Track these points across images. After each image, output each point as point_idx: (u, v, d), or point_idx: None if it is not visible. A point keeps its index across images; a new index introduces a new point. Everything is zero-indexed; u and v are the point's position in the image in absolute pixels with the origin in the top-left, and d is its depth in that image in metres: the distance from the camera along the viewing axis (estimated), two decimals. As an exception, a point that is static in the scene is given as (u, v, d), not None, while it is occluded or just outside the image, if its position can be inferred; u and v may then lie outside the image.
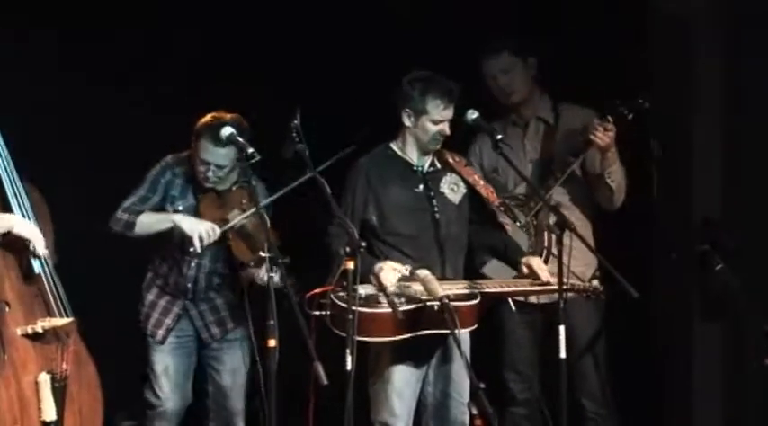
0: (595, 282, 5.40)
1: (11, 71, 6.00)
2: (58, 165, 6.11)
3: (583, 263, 5.59)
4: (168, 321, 5.67)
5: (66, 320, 4.83)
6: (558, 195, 5.78)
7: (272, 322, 4.85)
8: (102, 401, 4.97)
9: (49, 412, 4.73)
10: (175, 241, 5.56)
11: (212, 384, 5.73)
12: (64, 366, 4.79)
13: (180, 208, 5.59)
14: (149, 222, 5.54)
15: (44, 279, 4.85)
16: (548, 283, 5.28)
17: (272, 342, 4.85)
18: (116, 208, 5.57)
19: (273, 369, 4.85)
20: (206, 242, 5.40)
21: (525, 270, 5.36)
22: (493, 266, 5.63)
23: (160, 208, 5.61)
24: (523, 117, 5.92)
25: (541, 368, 5.76)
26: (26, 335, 4.75)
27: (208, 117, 5.53)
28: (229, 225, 5.45)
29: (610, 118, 5.61)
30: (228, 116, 5.46)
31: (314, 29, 6.51)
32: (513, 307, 5.48)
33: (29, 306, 4.82)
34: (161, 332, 5.68)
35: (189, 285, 5.64)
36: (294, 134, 5.23)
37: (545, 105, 5.93)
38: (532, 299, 5.60)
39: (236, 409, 5.71)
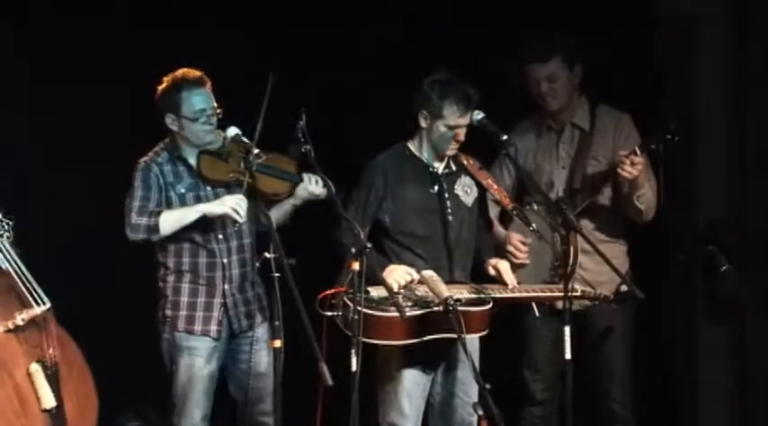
0: (624, 287, 5.35)
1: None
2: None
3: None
4: (216, 313, 5.40)
5: (42, 308, 4.86)
6: (587, 217, 5.72)
7: (277, 322, 4.85)
8: (90, 375, 5.00)
9: (48, 400, 4.77)
10: (194, 228, 5.37)
11: (237, 387, 5.50)
12: (51, 351, 4.81)
13: (182, 190, 5.40)
14: (174, 219, 5.31)
15: (12, 272, 4.86)
16: (515, 288, 5.31)
17: (278, 343, 4.85)
18: (123, 217, 5.35)
19: (279, 370, 4.85)
20: (243, 209, 5.21)
21: (492, 272, 5.36)
22: (522, 273, 5.61)
23: (163, 204, 5.39)
24: (559, 122, 5.86)
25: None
26: (8, 331, 4.77)
27: (171, 77, 5.41)
28: (254, 166, 5.26)
29: (637, 150, 5.55)
30: (186, 70, 5.41)
31: (319, 29, 6.51)
32: (537, 313, 5.45)
33: (3, 303, 4.85)
34: (214, 328, 5.40)
35: (224, 260, 5.40)
36: (300, 135, 5.24)
37: (582, 111, 5.85)
38: (558, 305, 5.54)
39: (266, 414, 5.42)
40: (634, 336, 5.80)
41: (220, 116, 5.40)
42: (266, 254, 4.93)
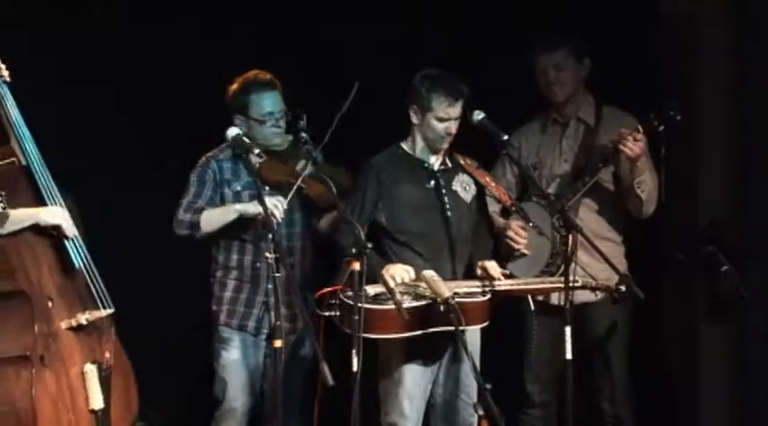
0: (623, 287, 5.36)
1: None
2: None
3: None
4: (256, 311, 5.49)
5: (107, 311, 4.87)
6: (586, 206, 5.74)
7: (278, 323, 4.86)
8: (136, 386, 5.03)
9: (97, 401, 4.78)
10: (242, 226, 5.43)
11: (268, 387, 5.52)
12: (107, 355, 4.83)
13: (239, 188, 5.49)
14: (214, 217, 5.40)
15: (85, 271, 4.87)
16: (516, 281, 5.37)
17: (278, 343, 4.86)
18: (174, 213, 5.46)
19: (280, 370, 4.86)
20: (280, 210, 5.23)
21: (480, 272, 5.34)
22: (517, 264, 5.63)
23: (216, 200, 5.49)
24: (564, 115, 5.86)
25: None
26: (70, 328, 4.79)
27: (242, 78, 5.50)
28: (302, 174, 5.35)
29: (640, 128, 5.55)
30: (257, 72, 5.48)
31: (319, 28, 6.52)
32: (533, 307, 5.47)
33: (70, 300, 4.85)
34: (252, 324, 5.50)
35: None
36: (300, 135, 5.25)
37: (588, 106, 5.86)
38: (554, 301, 5.56)
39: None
40: (632, 335, 5.80)
41: (290, 119, 5.46)
42: (267, 254, 4.94)
